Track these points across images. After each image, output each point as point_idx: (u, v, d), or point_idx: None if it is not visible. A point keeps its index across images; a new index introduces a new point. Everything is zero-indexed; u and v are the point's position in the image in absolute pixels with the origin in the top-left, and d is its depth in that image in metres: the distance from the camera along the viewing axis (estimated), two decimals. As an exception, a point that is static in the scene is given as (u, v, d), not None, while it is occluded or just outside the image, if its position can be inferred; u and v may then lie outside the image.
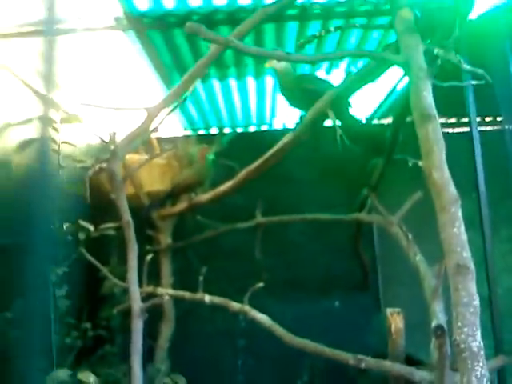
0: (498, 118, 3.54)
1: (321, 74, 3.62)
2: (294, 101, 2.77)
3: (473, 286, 1.38)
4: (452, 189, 1.46)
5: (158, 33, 2.96)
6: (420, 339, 2.40)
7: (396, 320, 2.85)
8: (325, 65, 3.57)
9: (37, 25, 2.68)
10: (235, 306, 2.87)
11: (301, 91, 2.66)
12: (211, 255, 3.97)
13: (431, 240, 2.00)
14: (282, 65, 2.64)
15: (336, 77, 3.56)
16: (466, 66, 1.63)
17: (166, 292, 3.26)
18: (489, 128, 3.14)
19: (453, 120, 4.28)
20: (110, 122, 3.26)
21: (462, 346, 1.33)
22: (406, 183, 2.77)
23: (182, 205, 3.76)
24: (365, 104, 4.15)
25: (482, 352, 1.33)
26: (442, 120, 4.25)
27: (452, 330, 1.39)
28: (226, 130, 4.69)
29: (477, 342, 1.33)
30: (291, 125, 4.49)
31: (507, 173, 2.66)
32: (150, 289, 3.12)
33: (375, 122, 4.60)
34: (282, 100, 4.05)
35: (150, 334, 3.44)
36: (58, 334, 2.70)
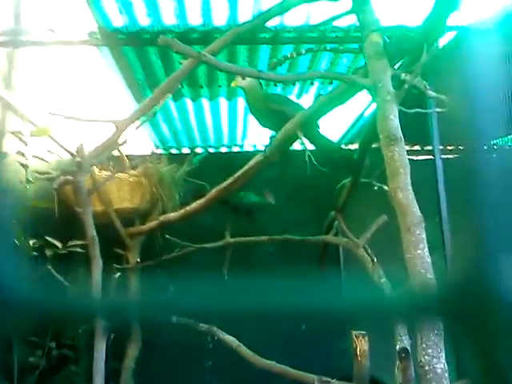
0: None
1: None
2: (263, 120, 2.79)
3: (437, 308, 1.41)
4: (416, 210, 1.50)
5: (132, 49, 2.98)
6: (384, 362, 2.42)
7: (361, 342, 2.87)
8: (295, 90, 3.64)
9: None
10: (202, 326, 2.85)
11: (269, 111, 2.68)
12: (179, 274, 3.94)
13: (396, 262, 2.05)
14: (249, 82, 2.66)
15: (306, 102, 3.63)
16: (431, 93, 1.69)
17: (131, 311, 3.21)
18: (451, 156, 3.24)
19: (417, 147, 4.39)
20: (81, 138, 3.24)
21: (427, 367, 1.35)
22: (371, 206, 2.83)
23: (151, 223, 3.73)
24: (332, 130, 4.23)
25: (447, 374, 1.35)
26: (407, 147, 4.35)
27: (416, 352, 1.41)
28: (198, 150, 4.71)
29: (441, 364, 1.35)
30: (262, 147, 4.54)
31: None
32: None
33: (342, 147, 4.68)
34: (253, 122, 4.10)
35: (116, 354, 3.38)
36: (20, 353, 2.62)
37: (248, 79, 2.77)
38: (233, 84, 2.67)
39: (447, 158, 2.75)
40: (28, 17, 2.68)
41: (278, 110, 2.63)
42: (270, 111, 2.65)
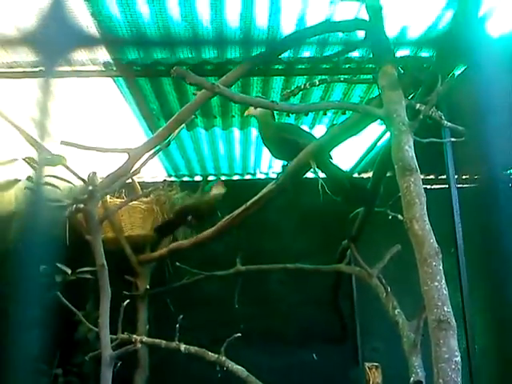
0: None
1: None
2: (275, 150, 2.81)
3: (454, 342, 1.38)
4: (433, 241, 1.48)
5: (147, 80, 3.01)
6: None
7: (374, 374, 2.82)
8: (308, 120, 3.65)
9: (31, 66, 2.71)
10: (211, 356, 2.81)
11: (281, 141, 2.70)
12: (189, 303, 3.91)
13: (410, 293, 2.02)
14: (261, 112, 2.69)
15: (319, 133, 3.64)
16: (447, 123, 1.69)
17: (140, 339, 3.18)
18: (466, 185, 3.22)
19: (431, 176, 4.38)
20: (94, 165, 3.27)
21: (444, 404, 1.32)
22: (385, 236, 2.81)
23: (162, 250, 3.73)
24: (345, 158, 4.22)
25: (464, 411, 1.32)
26: (421, 176, 4.33)
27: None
28: (210, 178, 4.72)
29: (459, 401, 1.32)
30: (274, 175, 4.54)
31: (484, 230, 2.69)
32: (124, 335, 3.04)
33: (355, 176, 4.68)
34: (265, 152, 4.11)
35: (123, 382, 3.34)
36: (26, 380, 2.59)
37: (260, 109, 2.80)
38: (246, 113, 2.69)
39: (462, 187, 2.73)
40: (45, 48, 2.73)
41: (290, 139, 2.65)
42: (282, 141, 2.67)
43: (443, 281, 1.44)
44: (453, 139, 1.90)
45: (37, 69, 2.79)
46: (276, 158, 2.88)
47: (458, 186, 2.78)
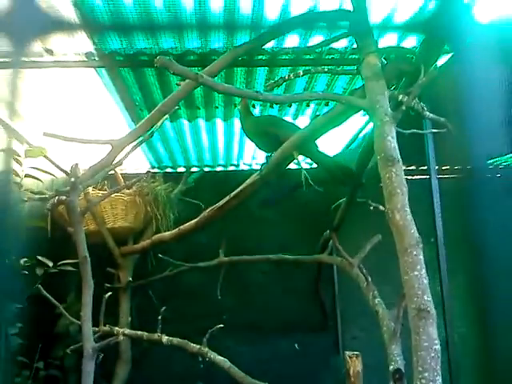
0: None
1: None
2: (259, 143, 2.82)
3: (433, 330, 1.39)
4: (414, 231, 1.49)
5: (130, 71, 2.99)
6: (378, 383, 2.40)
7: (355, 363, 2.84)
8: (291, 111, 3.66)
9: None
10: (194, 347, 2.81)
11: (263, 134, 2.71)
12: (171, 294, 3.91)
13: (390, 282, 2.05)
14: (241, 107, 2.70)
15: (302, 123, 3.65)
16: (429, 114, 1.70)
17: (122, 331, 3.17)
18: (446, 176, 3.26)
19: (412, 167, 4.43)
20: (77, 157, 3.24)
21: (423, 391, 1.34)
22: (367, 226, 2.83)
23: (144, 242, 3.72)
24: (327, 149, 4.24)
25: (442, 399, 1.34)
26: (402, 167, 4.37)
27: (410, 373, 1.40)
28: (193, 170, 4.71)
29: (437, 388, 1.34)
30: (258, 166, 4.54)
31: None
32: (106, 328, 3.03)
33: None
34: (249, 143, 4.12)
35: (105, 374, 3.34)
36: (7, 373, 2.57)
37: (239, 105, 2.83)
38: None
39: (442, 178, 2.77)
40: (26, 38, 2.69)
41: (270, 132, 2.67)
42: (263, 134, 2.69)
43: (423, 270, 1.46)
44: (434, 130, 1.92)
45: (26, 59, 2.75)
46: (261, 150, 2.89)
47: (439, 176, 2.82)
